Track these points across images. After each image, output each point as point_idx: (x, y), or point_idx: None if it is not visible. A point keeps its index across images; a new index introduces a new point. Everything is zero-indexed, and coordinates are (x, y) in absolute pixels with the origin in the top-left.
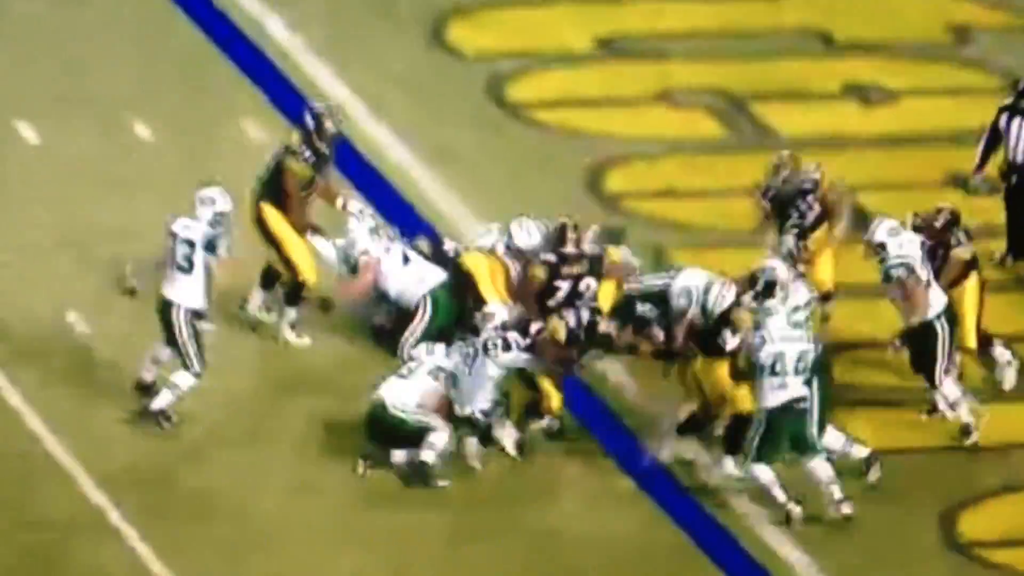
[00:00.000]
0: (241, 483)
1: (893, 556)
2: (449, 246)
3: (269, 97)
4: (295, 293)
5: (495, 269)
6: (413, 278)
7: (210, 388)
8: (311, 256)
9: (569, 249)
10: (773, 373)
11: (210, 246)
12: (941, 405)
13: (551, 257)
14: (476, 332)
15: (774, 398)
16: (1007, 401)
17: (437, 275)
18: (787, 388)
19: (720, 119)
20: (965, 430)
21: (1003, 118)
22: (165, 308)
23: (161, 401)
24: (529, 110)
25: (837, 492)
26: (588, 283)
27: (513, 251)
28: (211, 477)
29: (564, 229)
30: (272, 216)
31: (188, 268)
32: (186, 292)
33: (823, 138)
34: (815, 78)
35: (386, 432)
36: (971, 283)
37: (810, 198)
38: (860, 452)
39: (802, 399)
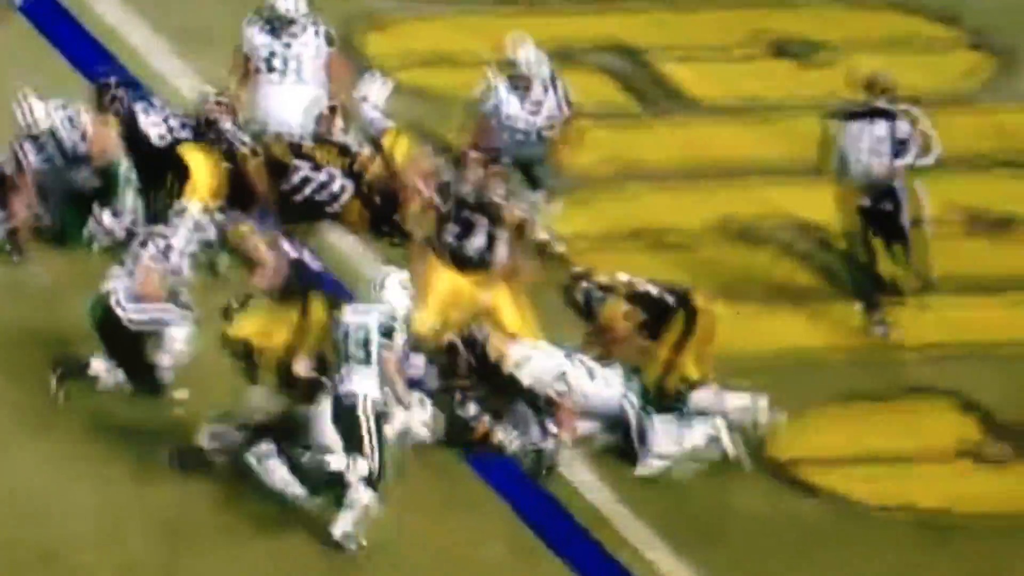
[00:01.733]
0: None
1: (695, 476)
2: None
3: None
4: None
5: (214, 169)
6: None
7: None
8: None
9: (326, 131)
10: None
11: (387, 333)
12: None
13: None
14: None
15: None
16: (809, 304)
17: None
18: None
19: None
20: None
21: (839, 127)
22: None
23: (346, 523)
24: None
25: None
26: (343, 185)
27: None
28: None
29: (332, 111)
30: None
31: (366, 358)
32: (368, 383)
33: None
34: None
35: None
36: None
37: (482, 221)
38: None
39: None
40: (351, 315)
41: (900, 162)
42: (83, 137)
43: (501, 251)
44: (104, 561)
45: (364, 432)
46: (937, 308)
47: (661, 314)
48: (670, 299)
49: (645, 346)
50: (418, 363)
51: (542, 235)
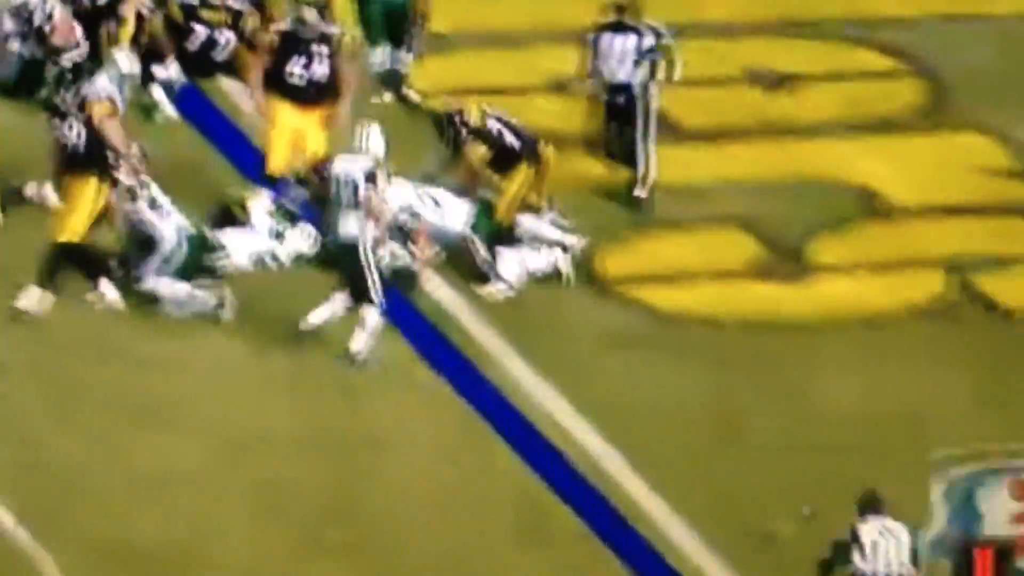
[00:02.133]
0: None
1: (534, 292)
2: None
3: None
4: None
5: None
6: None
7: None
8: None
9: None
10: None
11: (370, 177)
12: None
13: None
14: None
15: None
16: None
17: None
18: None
19: None
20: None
21: (602, 37)
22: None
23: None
24: None
25: None
26: (228, 37)
27: None
28: None
29: None
30: None
31: (355, 203)
32: (360, 225)
33: None
34: None
35: None
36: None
37: (322, 48)
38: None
39: None
40: (340, 165)
41: (642, 71)
42: (49, 20)
43: (327, 71)
44: (39, 378)
45: (370, 281)
46: (719, 149)
47: (511, 159)
48: (519, 147)
49: (497, 182)
50: (291, 192)
51: (407, 89)
